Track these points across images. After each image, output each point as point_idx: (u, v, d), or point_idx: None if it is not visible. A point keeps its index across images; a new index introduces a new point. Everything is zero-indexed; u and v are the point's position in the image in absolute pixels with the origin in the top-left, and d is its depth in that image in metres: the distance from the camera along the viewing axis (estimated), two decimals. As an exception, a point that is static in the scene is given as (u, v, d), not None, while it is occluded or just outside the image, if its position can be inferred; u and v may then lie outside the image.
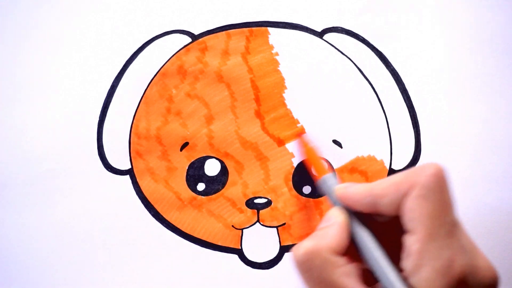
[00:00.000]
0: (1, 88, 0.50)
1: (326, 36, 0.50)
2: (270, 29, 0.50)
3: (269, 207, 0.49)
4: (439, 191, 0.35)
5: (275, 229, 0.49)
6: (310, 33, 0.50)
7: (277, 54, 0.50)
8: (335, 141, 0.49)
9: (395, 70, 0.50)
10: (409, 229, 0.35)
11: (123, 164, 0.50)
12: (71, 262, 0.49)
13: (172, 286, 0.49)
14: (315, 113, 0.49)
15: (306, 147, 0.48)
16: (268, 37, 0.50)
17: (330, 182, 0.42)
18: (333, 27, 0.50)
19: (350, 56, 0.50)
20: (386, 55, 0.50)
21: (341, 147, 0.49)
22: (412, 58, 0.50)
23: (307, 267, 0.37)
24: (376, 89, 0.50)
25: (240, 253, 0.49)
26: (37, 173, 0.49)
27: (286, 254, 0.49)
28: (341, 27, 0.50)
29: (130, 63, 0.50)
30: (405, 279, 0.35)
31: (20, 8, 0.51)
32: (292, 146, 0.49)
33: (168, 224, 0.49)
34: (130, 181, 0.50)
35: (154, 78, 0.50)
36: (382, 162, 0.49)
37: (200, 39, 0.50)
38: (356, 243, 0.38)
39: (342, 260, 0.37)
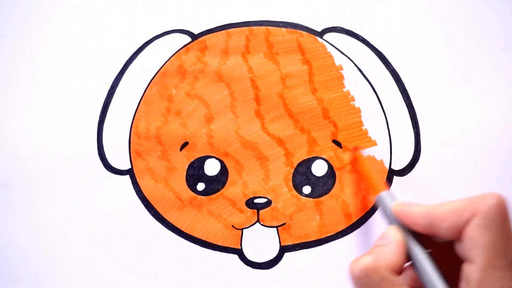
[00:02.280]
0: (1, 88, 0.50)
1: (326, 36, 0.50)
2: (270, 28, 0.50)
3: (269, 207, 0.49)
4: (502, 221, 0.35)
5: (275, 229, 0.49)
6: (310, 32, 0.50)
7: (277, 53, 0.50)
8: (335, 141, 0.49)
9: (395, 70, 0.50)
10: (470, 257, 0.35)
11: (123, 164, 0.50)
12: (71, 262, 0.49)
13: (172, 286, 0.49)
14: (314, 113, 0.49)
15: (364, 162, 0.47)
16: (268, 36, 0.50)
17: (387, 199, 0.42)
18: (333, 27, 0.50)
19: (350, 56, 0.50)
20: (386, 55, 0.50)
21: (341, 147, 0.49)
22: (412, 58, 0.50)
23: (364, 284, 0.37)
24: (376, 89, 0.50)
25: (240, 253, 0.49)
26: (37, 173, 0.49)
27: (286, 254, 0.49)
28: (341, 27, 0.50)
29: (130, 63, 0.50)
30: None
31: (20, 8, 0.51)
32: (292, 146, 0.49)
33: (168, 224, 0.49)
34: (130, 181, 0.50)
35: (154, 78, 0.50)
36: (382, 162, 0.49)
37: (200, 39, 0.50)
38: (414, 263, 0.38)
39: (399, 280, 0.37)
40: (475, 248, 0.35)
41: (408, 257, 0.39)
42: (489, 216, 0.35)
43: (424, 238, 0.39)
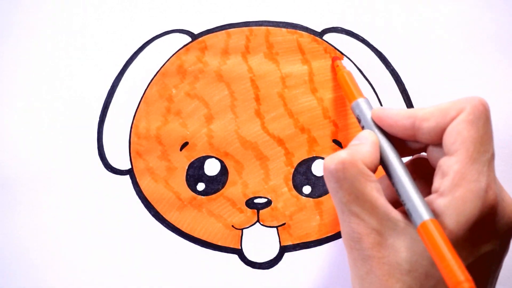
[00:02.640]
0: (1, 88, 0.50)
1: (326, 36, 0.50)
2: (270, 28, 0.50)
3: (269, 207, 0.49)
4: (485, 119, 0.36)
5: (275, 229, 0.49)
6: (310, 33, 0.50)
7: (277, 53, 0.50)
8: (335, 141, 0.49)
9: (395, 70, 0.50)
10: (451, 151, 0.36)
11: (123, 164, 0.50)
12: (71, 262, 0.49)
13: (172, 286, 0.49)
14: (314, 113, 0.49)
15: (341, 71, 0.47)
16: (268, 37, 0.50)
17: (364, 105, 0.42)
18: (333, 27, 0.50)
19: (350, 56, 0.50)
20: (386, 55, 0.50)
21: (341, 147, 0.49)
22: (412, 58, 0.50)
23: (340, 177, 0.37)
24: (376, 89, 0.50)
25: (240, 253, 0.49)
26: (37, 173, 0.49)
27: (286, 254, 0.49)
28: (341, 27, 0.50)
29: (130, 63, 0.50)
30: (429, 204, 0.36)
31: (20, 8, 0.51)
32: (292, 146, 0.49)
33: (168, 224, 0.49)
34: (130, 181, 0.50)
35: (154, 78, 0.50)
36: (382, 162, 0.49)
37: (200, 39, 0.50)
38: (385, 165, 0.39)
39: (374, 176, 0.37)
40: (458, 142, 0.36)
41: (381, 159, 0.39)
42: (475, 113, 0.36)
43: (398, 147, 0.40)
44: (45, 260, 0.49)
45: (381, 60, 0.50)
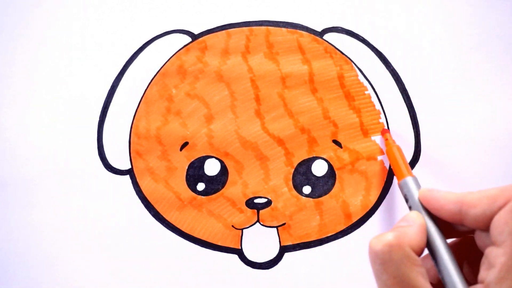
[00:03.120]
0: (1, 88, 0.50)
1: (326, 36, 0.50)
2: (270, 28, 0.50)
3: (269, 207, 0.49)
4: None
5: (275, 229, 0.49)
6: (310, 32, 0.50)
7: (277, 53, 0.50)
8: (335, 141, 0.49)
9: (395, 70, 0.50)
10: (498, 241, 0.35)
11: (123, 164, 0.50)
12: (71, 262, 0.49)
13: (172, 286, 0.49)
14: (314, 113, 0.49)
15: (390, 146, 0.47)
16: (268, 36, 0.50)
17: (413, 184, 0.42)
18: (333, 27, 0.50)
19: (350, 56, 0.50)
20: (386, 55, 0.50)
21: (341, 147, 0.49)
22: (412, 58, 0.50)
23: (385, 260, 0.36)
24: (376, 89, 0.50)
25: (240, 253, 0.49)
26: (37, 173, 0.49)
27: (286, 254, 0.49)
28: (341, 27, 0.50)
29: (130, 63, 0.50)
30: None
31: (20, 8, 0.51)
32: (292, 146, 0.49)
33: (168, 224, 0.49)
34: (130, 181, 0.50)
35: (154, 78, 0.50)
36: (382, 162, 0.49)
37: (200, 39, 0.50)
38: (431, 249, 0.39)
39: (419, 261, 0.37)
40: (506, 232, 0.35)
41: (428, 243, 0.39)
42: None
43: (444, 228, 0.39)
44: (45, 260, 0.49)
45: (381, 60, 0.50)
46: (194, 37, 0.50)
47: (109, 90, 0.50)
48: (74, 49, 0.51)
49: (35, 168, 0.50)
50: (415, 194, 0.41)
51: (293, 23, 0.50)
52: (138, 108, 0.50)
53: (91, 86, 0.50)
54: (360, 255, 0.48)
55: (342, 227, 0.49)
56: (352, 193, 0.49)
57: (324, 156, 0.49)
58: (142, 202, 0.49)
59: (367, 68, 0.50)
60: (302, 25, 0.50)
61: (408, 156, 0.49)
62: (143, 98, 0.50)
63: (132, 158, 0.50)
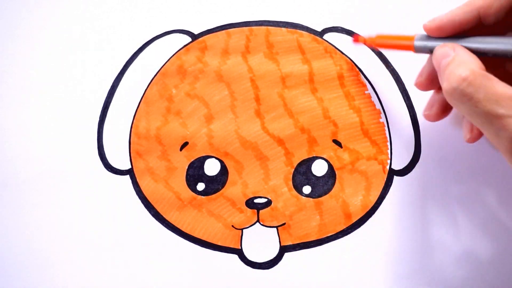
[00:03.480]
0: (1, 88, 0.50)
1: (326, 36, 0.50)
2: (270, 28, 0.50)
3: (269, 207, 0.49)
4: None
5: (275, 229, 0.49)
6: (310, 32, 0.50)
7: (277, 53, 0.50)
8: (335, 141, 0.49)
9: (395, 70, 0.50)
10: None
11: (123, 164, 0.50)
12: (71, 262, 0.49)
13: (172, 286, 0.49)
14: (314, 113, 0.49)
15: (373, 38, 0.46)
16: (268, 36, 0.50)
17: (421, 35, 0.42)
18: (333, 27, 0.50)
19: (350, 56, 0.50)
20: (386, 55, 0.50)
21: (341, 146, 0.49)
22: (412, 58, 0.50)
23: (472, 91, 0.36)
24: (376, 89, 0.50)
25: (240, 253, 0.49)
26: (37, 173, 0.50)
27: (286, 254, 0.49)
28: (341, 27, 0.50)
29: (130, 63, 0.50)
30: None
31: (20, 8, 0.51)
32: (292, 146, 0.49)
33: (168, 224, 0.49)
34: (130, 181, 0.50)
35: (154, 78, 0.50)
36: (382, 162, 0.49)
37: (200, 39, 0.50)
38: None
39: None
40: None
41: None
42: None
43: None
44: (44, 260, 0.49)
45: (381, 60, 0.50)
46: (194, 37, 0.50)
47: (109, 90, 0.50)
48: (74, 49, 0.51)
49: (35, 168, 0.50)
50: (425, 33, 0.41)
51: (293, 23, 0.50)
52: (138, 108, 0.50)
53: (91, 86, 0.50)
54: (360, 255, 0.48)
55: (342, 227, 0.49)
56: (352, 193, 0.49)
57: (324, 156, 0.49)
58: (142, 202, 0.49)
59: (367, 68, 0.50)
60: (302, 25, 0.50)
61: (408, 156, 0.49)
62: (143, 98, 0.50)
63: (132, 158, 0.50)
